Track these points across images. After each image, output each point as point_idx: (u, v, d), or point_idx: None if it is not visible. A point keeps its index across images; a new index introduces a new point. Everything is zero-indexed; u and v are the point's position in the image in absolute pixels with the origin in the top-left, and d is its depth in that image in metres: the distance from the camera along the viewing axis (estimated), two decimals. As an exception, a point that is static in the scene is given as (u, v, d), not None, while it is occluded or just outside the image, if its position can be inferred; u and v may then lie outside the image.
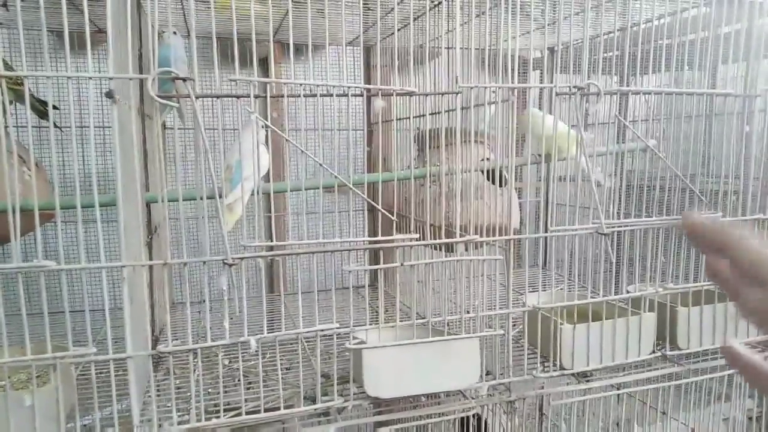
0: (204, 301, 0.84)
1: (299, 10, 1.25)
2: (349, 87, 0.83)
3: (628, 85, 1.03)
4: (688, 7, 1.21)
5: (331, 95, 0.82)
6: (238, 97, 0.79)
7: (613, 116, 1.04)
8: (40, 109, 1.12)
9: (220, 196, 0.82)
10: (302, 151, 0.82)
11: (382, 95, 0.84)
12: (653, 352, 1.08)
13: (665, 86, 1.09)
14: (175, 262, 0.80)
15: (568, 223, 1.00)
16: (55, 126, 1.06)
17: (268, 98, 0.80)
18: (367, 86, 0.83)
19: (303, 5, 1.18)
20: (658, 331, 1.09)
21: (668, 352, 1.09)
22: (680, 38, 1.04)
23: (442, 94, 0.88)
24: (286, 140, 0.83)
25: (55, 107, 1.10)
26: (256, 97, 0.79)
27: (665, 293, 1.06)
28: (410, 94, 0.83)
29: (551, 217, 1.03)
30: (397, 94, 0.83)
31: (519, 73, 0.93)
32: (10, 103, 1.11)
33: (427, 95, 0.84)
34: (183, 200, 0.84)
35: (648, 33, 1.04)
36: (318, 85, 0.82)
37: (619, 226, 0.99)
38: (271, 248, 0.93)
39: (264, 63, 1.60)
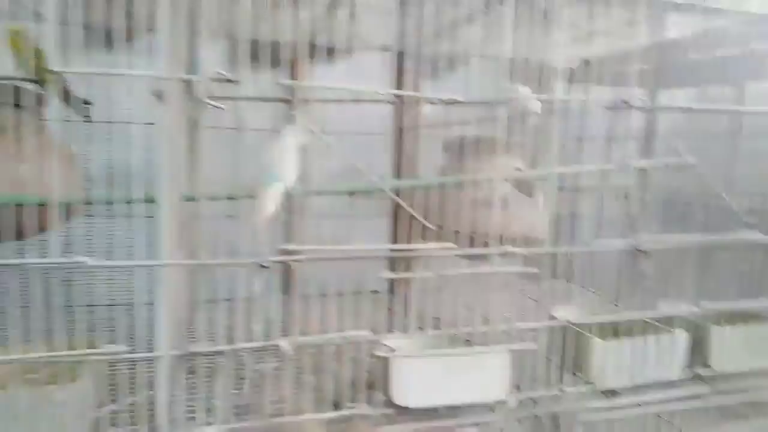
0: (232, 300, 0.84)
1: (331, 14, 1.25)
2: (385, 93, 0.83)
3: (656, 99, 1.02)
4: (719, 23, 1.19)
5: (366, 101, 0.81)
6: (278, 100, 0.79)
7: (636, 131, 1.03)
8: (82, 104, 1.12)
9: (255, 197, 0.82)
10: (334, 156, 0.82)
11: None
12: (685, 371, 1.06)
13: (693, 102, 1.08)
14: (212, 263, 0.80)
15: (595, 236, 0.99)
16: (89, 119, 1.07)
17: (297, 101, 0.80)
18: (408, 93, 0.82)
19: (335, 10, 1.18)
20: (691, 350, 1.07)
21: (700, 372, 1.07)
22: (711, 54, 1.03)
23: (488, 103, 0.87)
24: (326, 144, 0.82)
25: (87, 102, 1.10)
26: (287, 101, 0.79)
27: (700, 312, 1.04)
28: (455, 102, 0.83)
29: (578, 231, 1.02)
30: (442, 102, 0.82)
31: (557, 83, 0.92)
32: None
33: (472, 104, 0.84)
34: (217, 200, 0.84)
35: (679, 47, 1.02)
36: (353, 90, 0.81)
37: (656, 243, 0.97)
38: (298, 252, 0.92)
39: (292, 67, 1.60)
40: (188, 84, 0.72)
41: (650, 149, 1.39)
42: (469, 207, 1.04)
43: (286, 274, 1.72)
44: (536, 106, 0.89)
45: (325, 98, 0.83)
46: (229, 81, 0.72)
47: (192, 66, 0.72)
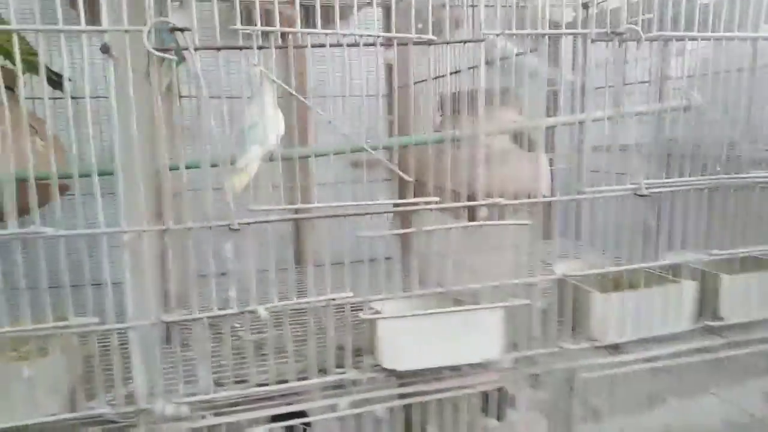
0: (223, 273, 0.80)
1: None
2: (361, 35, 0.77)
3: (667, 48, 0.95)
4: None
5: (341, 45, 0.76)
6: (240, 48, 0.73)
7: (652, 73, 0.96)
8: (54, 79, 1.08)
9: (231, 163, 0.77)
10: (318, 113, 0.76)
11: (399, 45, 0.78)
12: (694, 323, 1.00)
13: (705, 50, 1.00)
14: (178, 228, 0.76)
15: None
16: (73, 98, 1.02)
17: (273, 48, 0.74)
18: (381, 34, 0.76)
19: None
20: (700, 301, 1.01)
21: (710, 323, 1.01)
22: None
23: (465, 42, 0.81)
24: (292, 94, 0.77)
25: (69, 80, 1.06)
26: (260, 48, 0.74)
27: (709, 260, 0.98)
28: (429, 42, 0.77)
29: (584, 181, 0.96)
30: (415, 43, 0.76)
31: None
32: (23, 73, 1.07)
33: (447, 43, 0.77)
34: (187, 168, 0.79)
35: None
36: (328, 34, 0.75)
37: (659, 187, 0.90)
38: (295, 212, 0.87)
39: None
40: (137, 36, 0.67)
41: (659, 97, 1.31)
42: (466, 164, 0.98)
43: (297, 241, 1.68)
44: (510, 49, 0.83)
45: (310, 45, 0.77)
46: (178, 30, 0.66)
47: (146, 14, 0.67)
